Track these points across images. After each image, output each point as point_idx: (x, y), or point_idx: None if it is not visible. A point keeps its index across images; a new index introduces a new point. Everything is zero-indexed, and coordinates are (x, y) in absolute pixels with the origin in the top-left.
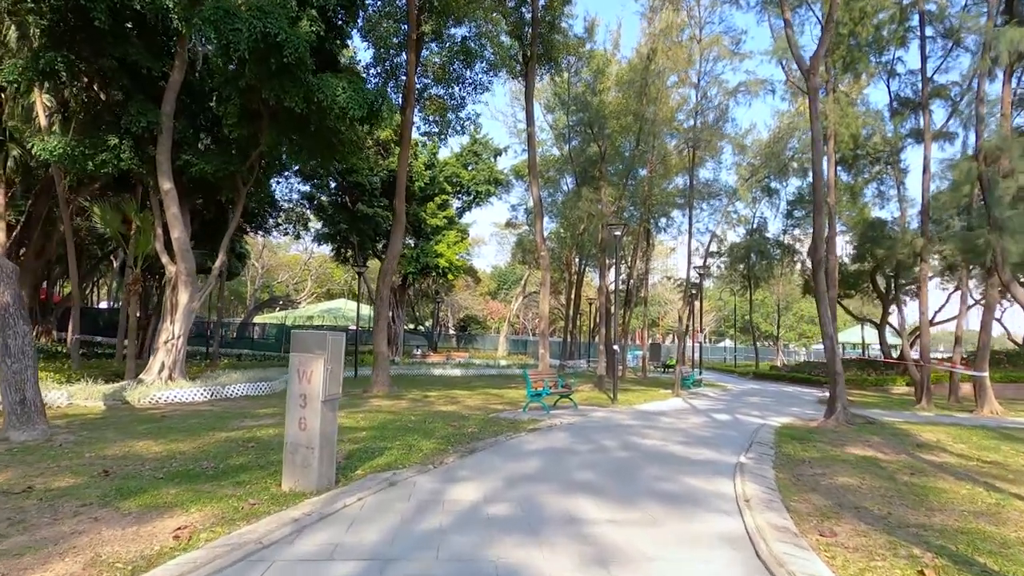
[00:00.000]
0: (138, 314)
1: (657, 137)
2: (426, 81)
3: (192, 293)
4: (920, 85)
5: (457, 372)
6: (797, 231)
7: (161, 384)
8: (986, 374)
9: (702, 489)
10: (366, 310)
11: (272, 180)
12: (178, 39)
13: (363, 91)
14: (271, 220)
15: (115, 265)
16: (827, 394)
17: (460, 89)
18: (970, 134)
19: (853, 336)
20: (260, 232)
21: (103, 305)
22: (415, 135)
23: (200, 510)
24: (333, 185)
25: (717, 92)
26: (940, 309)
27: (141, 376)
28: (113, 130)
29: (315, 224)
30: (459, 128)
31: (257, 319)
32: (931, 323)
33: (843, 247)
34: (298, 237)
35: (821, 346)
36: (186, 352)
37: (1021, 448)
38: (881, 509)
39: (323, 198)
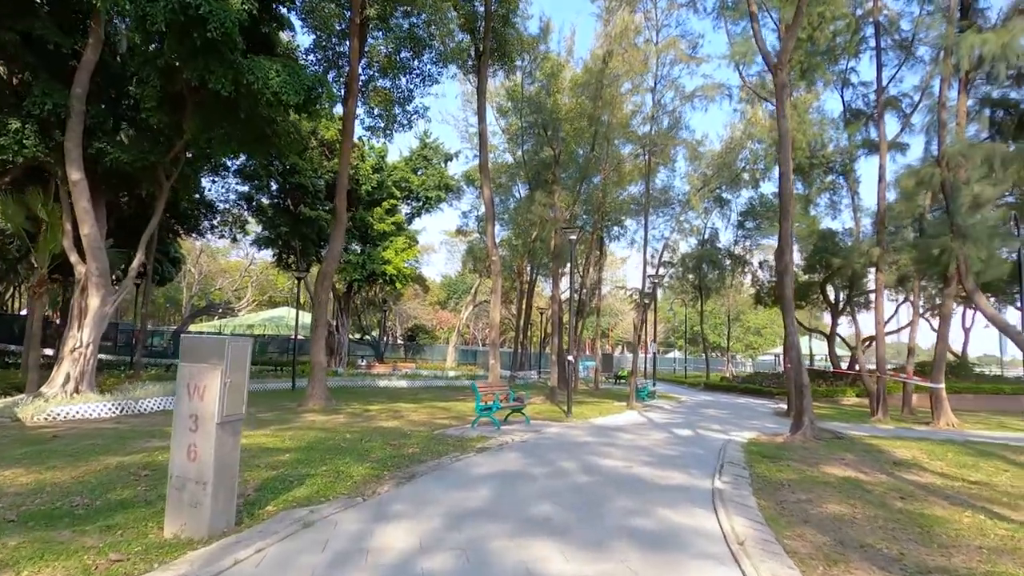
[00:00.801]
0: (57, 320)
1: (611, 143)
2: (371, 72)
3: (104, 296)
4: (874, 95)
5: (403, 383)
6: (748, 242)
7: (64, 398)
8: (942, 386)
9: (683, 526)
10: (309, 319)
11: (207, 179)
12: (92, 14)
13: (300, 75)
14: (206, 222)
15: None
16: (782, 406)
17: (407, 80)
18: (932, 142)
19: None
20: (194, 234)
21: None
22: (359, 130)
23: (37, 572)
24: (275, 187)
25: (674, 96)
26: (888, 320)
27: (42, 388)
28: (15, 113)
29: (256, 228)
30: (406, 122)
31: (193, 327)
32: (870, 339)
33: (795, 257)
34: (235, 240)
35: (768, 357)
36: (97, 362)
37: (1000, 465)
38: (890, 547)
39: (263, 200)
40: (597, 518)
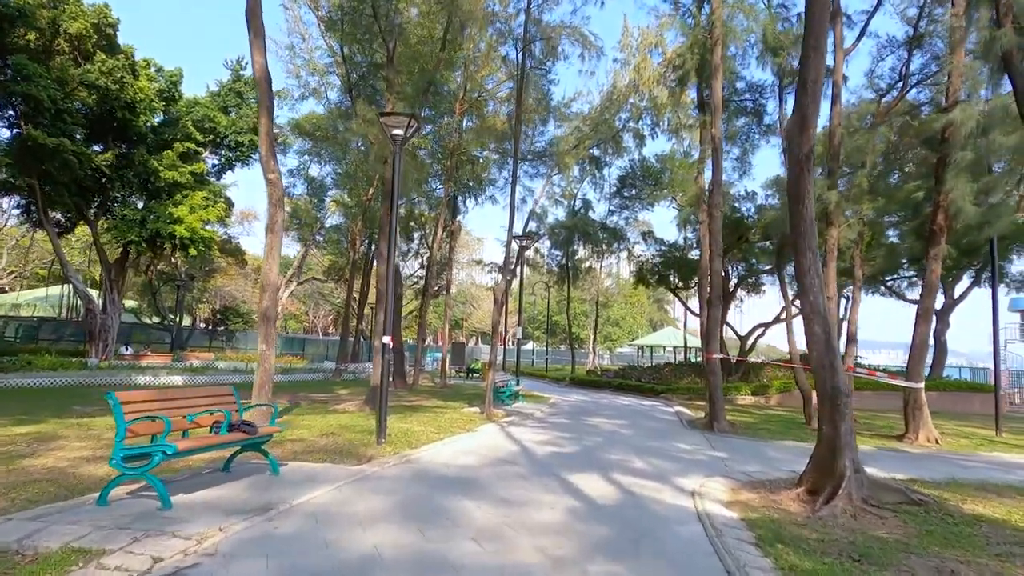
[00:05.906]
0: None
1: (470, 52)
2: None
3: None
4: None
5: (179, 380)
6: (624, 213)
7: None
8: (922, 385)
9: None
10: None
11: None
12: None
13: None
14: None
15: None
16: (683, 410)
17: None
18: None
19: (665, 338)
20: None
21: None
22: None
23: None
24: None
25: None
26: (783, 309)
27: None
28: None
29: None
30: None
31: None
32: (767, 325)
33: (676, 230)
34: None
35: (627, 350)
36: None
37: None
38: None
39: None
40: None
